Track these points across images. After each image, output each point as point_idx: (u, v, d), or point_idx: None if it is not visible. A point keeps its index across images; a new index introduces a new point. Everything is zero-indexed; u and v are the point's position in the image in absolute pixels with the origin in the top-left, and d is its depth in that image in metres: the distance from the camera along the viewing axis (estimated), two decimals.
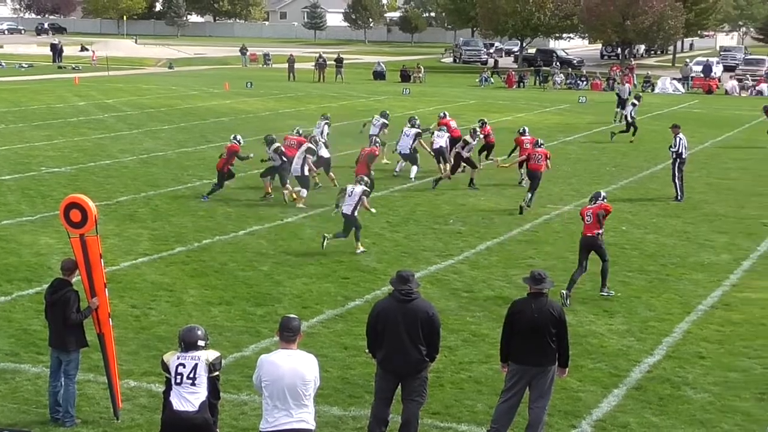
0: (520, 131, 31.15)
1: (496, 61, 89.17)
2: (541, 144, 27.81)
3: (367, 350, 11.98)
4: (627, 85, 54.19)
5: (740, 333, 16.52)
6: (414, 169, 30.91)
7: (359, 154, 27.30)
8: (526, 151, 28.87)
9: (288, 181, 26.83)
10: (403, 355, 11.34)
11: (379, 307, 11.60)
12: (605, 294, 18.68)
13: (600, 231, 18.47)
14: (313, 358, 9.94)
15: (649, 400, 13.56)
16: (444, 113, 35.03)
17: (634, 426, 12.72)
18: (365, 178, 22.48)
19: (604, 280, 18.83)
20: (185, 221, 24.15)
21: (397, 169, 31.54)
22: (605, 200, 18.89)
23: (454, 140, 31.59)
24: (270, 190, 27.37)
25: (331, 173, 28.73)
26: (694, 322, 17.09)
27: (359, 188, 21.66)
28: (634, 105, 41.65)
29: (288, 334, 9.95)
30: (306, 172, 26.31)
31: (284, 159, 26.91)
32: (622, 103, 48.76)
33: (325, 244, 21.46)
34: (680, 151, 28.19)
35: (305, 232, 23.24)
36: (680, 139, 28.46)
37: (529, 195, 26.46)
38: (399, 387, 11.61)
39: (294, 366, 9.75)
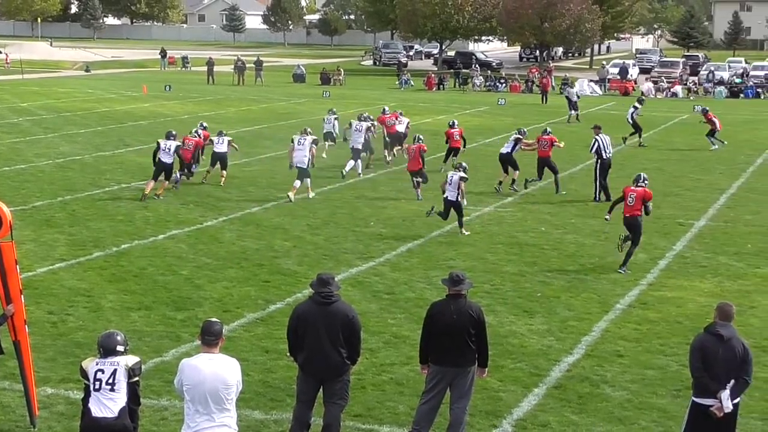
0: (450, 123, 34.11)
1: (405, 63, 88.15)
2: (549, 132, 30.30)
3: (288, 353, 11.97)
4: (575, 88, 56.86)
5: (657, 331, 16.77)
6: (359, 164, 32.15)
7: (407, 151, 29.28)
8: (457, 143, 32.75)
9: (178, 178, 28.74)
10: (324, 358, 11.35)
11: (299, 310, 11.59)
12: (621, 272, 20.50)
13: (641, 214, 20.68)
14: (234, 362, 9.90)
15: (568, 399, 13.72)
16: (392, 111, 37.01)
17: (554, 425, 12.86)
18: (464, 165, 24.42)
19: (626, 260, 20.69)
20: (103, 226, 23.91)
21: (347, 169, 31.83)
22: (646, 183, 21.12)
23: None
24: (162, 191, 27.62)
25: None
26: (612, 321, 17.31)
27: (457, 175, 23.51)
28: (635, 108, 41.87)
29: (209, 338, 9.90)
30: (311, 164, 28.19)
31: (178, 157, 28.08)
32: (572, 104, 51.43)
33: (431, 213, 24.00)
34: (597, 151, 28.48)
35: (225, 236, 23.14)
36: (595, 140, 28.80)
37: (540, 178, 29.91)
38: (321, 390, 11.62)
39: (215, 370, 9.71)
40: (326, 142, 36.21)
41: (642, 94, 68.56)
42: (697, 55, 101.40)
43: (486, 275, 20.05)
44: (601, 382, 14.35)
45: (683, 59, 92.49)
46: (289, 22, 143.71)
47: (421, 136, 29.69)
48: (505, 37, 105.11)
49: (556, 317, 17.47)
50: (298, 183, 27.80)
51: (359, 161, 32.22)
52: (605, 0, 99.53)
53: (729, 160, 36.89)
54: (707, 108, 43.63)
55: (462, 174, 23.54)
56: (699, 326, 14.90)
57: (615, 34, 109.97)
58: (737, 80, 74.80)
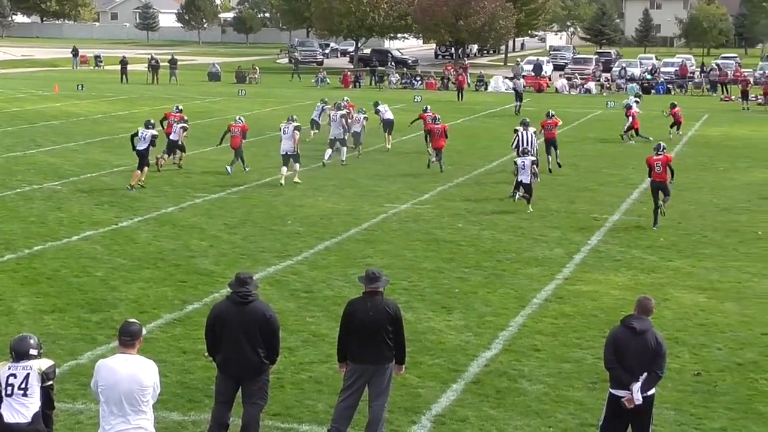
0: (424, 108, 36.93)
1: (297, 60, 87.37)
2: (552, 114, 33.64)
3: (206, 353, 11.91)
4: (522, 80, 61.13)
5: (573, 325, 16.95)
6: (344, 150, 34.26)
7: (431, 132, 32.92)
8: (428, 126, 33.68)
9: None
10: (242, 358, 11.30)
11: (217, 309, 11.53)
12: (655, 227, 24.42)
13: (667, 177, 24.51)
14: (151, 364, 9.81)
15: (486, 394, 13.80)
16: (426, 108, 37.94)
17: (472, 419, 12.93)
18: (531, 150, 27.91)
19: (656, 216, 24.68)
20: (14, 228, 23.54)
21: (326, 159, 33.77)
22: (665, 150, 25.09)
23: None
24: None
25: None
26: (529, 316, 17.45)
27: (529, 160, 26.54)
28: (636, 103, 43.96)
29: (126, 338, 9.80)
30: (298, 150, 30.06)
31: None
32: (519, 96, 54.93)
33: (516, 197, 26.53)
34: (517, 146, 28.64)
35: (141, 236, 22.91)
36: (516, 136, 29.04)
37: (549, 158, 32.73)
38: (239, 390, 11.56)
39: (132, 371, 9.61)
40: (311, 129, 39.69)
41: (556, 90, 69.32)
42: (610, 52, 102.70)
43: (404, 272, 20.10)
44: (519, 377, 14.46)
45: (596, 56, 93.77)
46: (204, 21, 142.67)
47: (438, 116, 34.22)
48: (420, 35, 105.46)
49: (473, 313, 17.56)
50: (284, 170, 29.72)
51: (340, 149, 34.17)
52: None
53: (641, 156, 37.16)
54: (675, 102, 45.19)
55: (532, 158, 26.91)
56: (614, 319, 15.09)
57: (529, 32, 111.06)
58: (648, 77, 75.87)
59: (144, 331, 11.20)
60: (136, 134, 29.24)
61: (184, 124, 32.93)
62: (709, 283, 19.76)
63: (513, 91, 57.53)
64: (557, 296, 18.70)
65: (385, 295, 11.86)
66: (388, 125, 38.24)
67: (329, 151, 34.01)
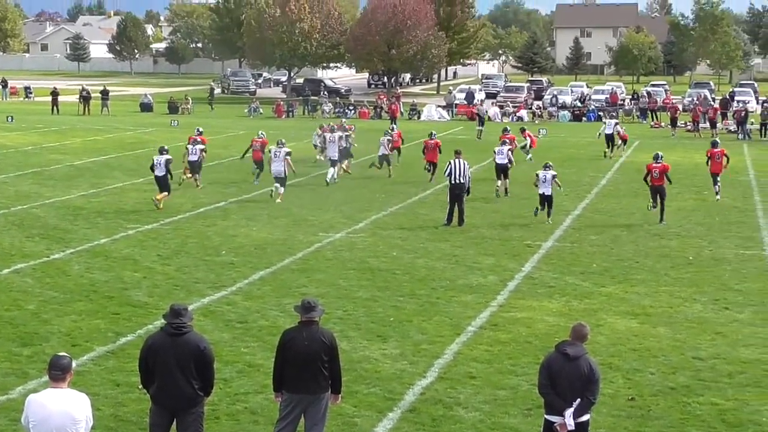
0: (430, 134, 39.51)
1: (211, 90, 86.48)
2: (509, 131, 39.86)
3: (140, 386, 11.81)
4: (484, 106, 65.78)
5: (508, 352, 17.03)
6: (333, 171, 36.61)
7: (424, 146, 38.13)
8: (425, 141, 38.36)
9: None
10: (176, 390, 11.20)
11: (150, 341, 11.45)
12: (663, 224, 28.65)
13: (664, 182, 28.94)
14: (84, 397, 9.71)
15: (422, 422, 13.81)
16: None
17: None
18: (551, 164, 29.84)
19: (662, 214, 28.98)
20: None
21: (329, 178, 36.32)
22: (663, 159, 29.34)
23: None
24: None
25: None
26: (464, 343, 17.50)
27: (550, 173, 28.90)
28: (617, 123, 49.51)
29: (57, 372, 9.70)
30: (286, 173, 32.41)
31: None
32: (481, 121, 59.70)
33: (538, 212, 29.20)
34: (449, 175, 28.71)
35: (73, 269, 22.68)
36: (448, 164, 29.15)
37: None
38: (174, 422, 11.47)
39: (63, 406, 9.51)
40: (316, 151, 43.25)
41: (489, 118, 69.88)
42: (541, 80, 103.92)
43: (339, 301, 20.09)
44: (455, 404, 14.49)
45: (528, 84, 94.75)
46: (136, 51, 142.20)
47: (434, 132, 39.74)
48: (353, 64, 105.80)
49: (409, 341, 17.58)
50: (279, 188, 32.31)
51: (329, 170, 36.59)
52: (451, 26, 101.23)
53: (574, 182, 37.71)
54: (525, 127, 47.98)
55: (553, 172, 29.06)
56: (548, 345, 15.21)
57: (461, 60, 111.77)
58: (579, 104, 76.71)
59: (75, 365, 11.11)
60: (153, 162, 30.98)
61: (203, 146, 35.90)
62: (642, 308, 19.97)
63: (477, 116, 62.14)
64: (492, 323, 18.78)
65: (320, 325, 11.85)
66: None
67: (332, 170, 36.63)
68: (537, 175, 29.39)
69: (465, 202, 28.90)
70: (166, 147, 31.77)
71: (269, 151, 33.62)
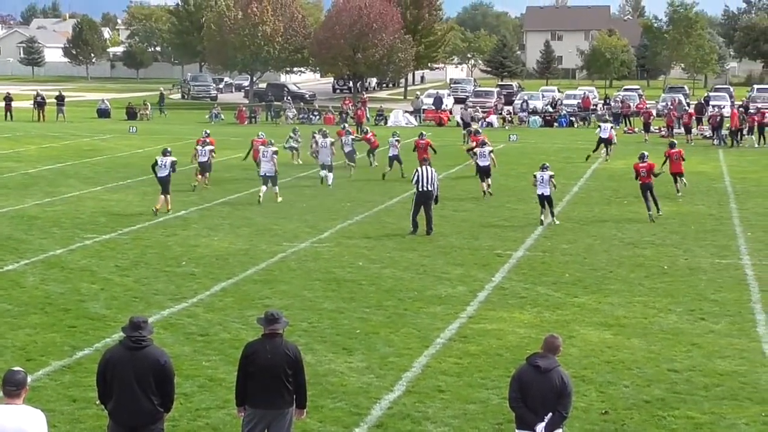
0: (419, 135, 42.18)
1: (162, 96, 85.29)
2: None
3: (97, 401, 11.76)
4: (470, 109, 66.69)
5: (478, 364, 17.06)
6: (330, 176, 38.24)
7: (415, 146, 40.81)
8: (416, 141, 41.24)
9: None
10: (135, 406, 11.16)
11: (108, 355, 11.40)
12: (660, 213, 31.40)
13: (651, 180, 31.46)
14: (39, 414, 9.66)
15: None
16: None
17: None
18: (548, 165, 31.28)
19: (657, 206, 31.59)
20: None
21: (330, 182, 38.11)
22: (648, 158, 32.05)
23: None
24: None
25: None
26: (432, 356, 17.53)
27: (548, 174, 30.08)
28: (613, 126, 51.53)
29: (11, 388, 9.65)
30: (276, 171, 34.35)
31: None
32: (466, 125, 60.13)
33: (545, 222, 30.10)
34: (417, 182, 28.76)
35: (27, 280, 22.56)
36: (416, 171, 29.20)
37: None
38: None
39: (18, 423, 9.46)
40: (292, 153, 45.96)
41: (458, 124, 70.11)
42: (511, 84, 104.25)
43: (303, 313, 20.08)
44: (423, 419, 14.51)
45: (497, 89, 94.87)
46: (92, 55, 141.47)
47: (424, 132, 43.15)
48: (317, 68, 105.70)
49: (375, 354, 17.59)
50: (263, 189, 33.97)
51: (327, 176, 38.36)
52: (418, 30, 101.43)
53: None
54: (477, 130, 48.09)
55: (550, 173, 30.32)
56: (519, 358, 15.27)
57: (429, 64, 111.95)
58: (550, 109, 76.99)
59: (30, 380, 11.05)
60: (156, 163, 31.91)
61: (212, 147, 38.10)
62: (615, 319, 20.06)
63: (460, 121, 64.82)
64: (461, 335, 18.81)
65: (284, 338, 11.85)
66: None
67: (330, 175, 38.33)
68: (534, 176, 30.69)
69: (433, 209, 28.95)
70: (169, 148, 33.03)
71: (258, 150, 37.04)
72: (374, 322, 19.59)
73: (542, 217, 30.54)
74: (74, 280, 22.71)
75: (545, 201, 30.56)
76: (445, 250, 26.64)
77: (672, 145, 36.91)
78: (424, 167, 29.23)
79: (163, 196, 31.65)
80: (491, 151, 37.31)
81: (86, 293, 21.53)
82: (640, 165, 31.69)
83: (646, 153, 32.74)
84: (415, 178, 28.98)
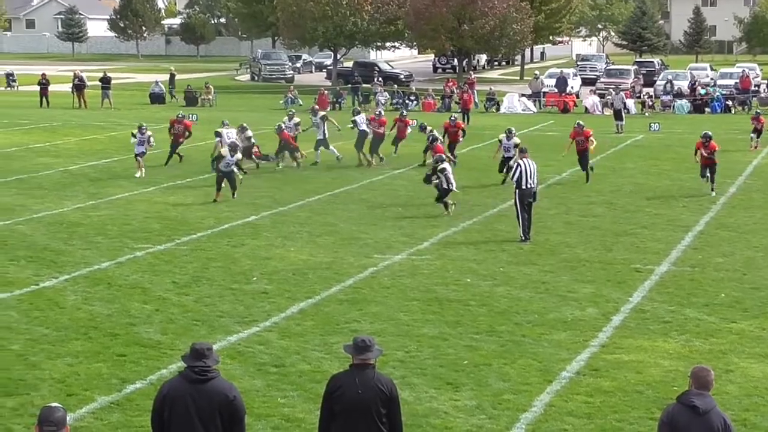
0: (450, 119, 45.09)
1: (172, 76, 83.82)
2: (583, 126, 40.11)
3: None
4: (622, 93, 65.18)
5: (612, 404, 16.96)
6: (332, 148, 43.20)
7: (446, 130, 43.68)
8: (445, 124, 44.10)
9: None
10: None
11: (166, 389, 11.49)
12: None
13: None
14: None
15: None
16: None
17: None
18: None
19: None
20: None
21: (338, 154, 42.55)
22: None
23: None
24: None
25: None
26: (557, 393, 17.46)
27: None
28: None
29: (50, 428, 9.79)
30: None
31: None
32: (617, 114, 60.18)
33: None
34: (518, 179, 28.75)
35: (68, 300, 22.91)
36: (517, 165, 29.21)
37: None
38: None
39: None
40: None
41: (586, 110, 69.72)
42: (652, 62, 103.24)
43: (399, 339, 20.12)
44: None
45: (635, 66, 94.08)
46: (144, 29, 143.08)
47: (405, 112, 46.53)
48: (414, 44, 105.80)
49: (487, 390, 17.57)
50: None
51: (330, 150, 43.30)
52: None
53: (695, 190, 37.55)
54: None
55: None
56: (664, 396, 15.15)
57: (550, 37, 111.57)
58: (701, 91, 76.04)
59: (71, 419, 11.21)
60: (218, 156, 35.94)
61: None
62: None
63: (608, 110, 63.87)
64: (592, 368, 18.73)
65: (377, 369, 11.87)
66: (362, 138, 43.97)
67: (332, 148, 43.47)
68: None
69: (533, 210, 29.06)
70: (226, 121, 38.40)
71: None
72: (485, 352, 19.57)
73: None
74: (123, 299, 23.00)
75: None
76: (571, 264, 26.53)
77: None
78: (524, 160, 29.25)
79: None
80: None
81: (137, 315, 21.79)
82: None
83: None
84: (517, 173, 28.93)
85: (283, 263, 26.42)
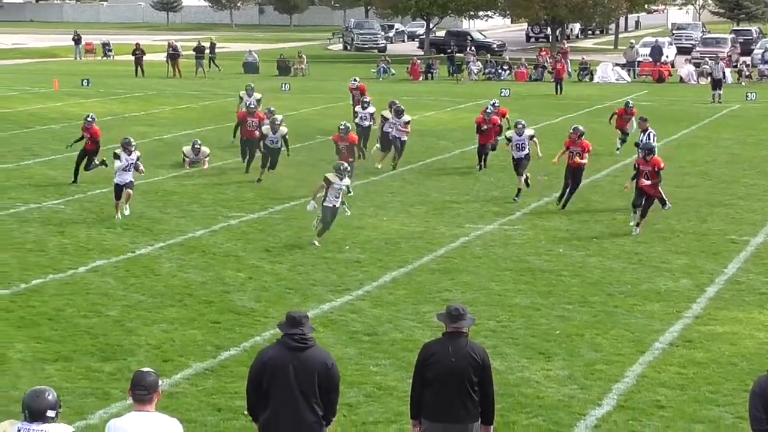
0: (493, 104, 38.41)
1: (213, 45, 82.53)
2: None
3: (245, 411, 11.97)
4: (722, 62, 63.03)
5: (706, 375, 16.87)
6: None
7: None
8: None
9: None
10: (295, 417, 11.30)
11: (266, 356, 11.51)
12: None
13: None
14: (175, 423, 9.91)
15: None
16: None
17: None
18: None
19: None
20: (7, 257, 23.87)
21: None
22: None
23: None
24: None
25: None
26: (649, 364, 17.40)
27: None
28: None
29: (141, 392, 9.91)
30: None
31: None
32: (716, 84, 58.31)
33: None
34: (652, 147, 28.52)
35: (163, 266, 23.15)
36: (652, 133, 29.19)
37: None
38: None
39: None
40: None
41: (681, 79, 69.07)
42: (750, 30, 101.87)
43: (491, 309, 20.13)
44: None
45: (732, 35, 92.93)
46: None
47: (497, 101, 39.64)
48: (507, 12, 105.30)
49: (579, 360, 17.55)
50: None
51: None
52: None
53: None
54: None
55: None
56: (758, 368, 15.04)
57: (645, 6, 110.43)
58: None
59: (167, 384, 11.32)
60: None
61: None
62: None
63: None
64: (685, 339, 18.63)
65: (470, 338, 11.90)
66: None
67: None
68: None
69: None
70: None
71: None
72: (577, 322, 19.54)
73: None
74: (217, 267, 23.21)
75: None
76: (665, 234, 26.36)
77: None
78: (650, 129, 29.17)
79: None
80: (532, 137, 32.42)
81: (231, 283, 21.97)
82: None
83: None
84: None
85: (376, 232, 26.49)
